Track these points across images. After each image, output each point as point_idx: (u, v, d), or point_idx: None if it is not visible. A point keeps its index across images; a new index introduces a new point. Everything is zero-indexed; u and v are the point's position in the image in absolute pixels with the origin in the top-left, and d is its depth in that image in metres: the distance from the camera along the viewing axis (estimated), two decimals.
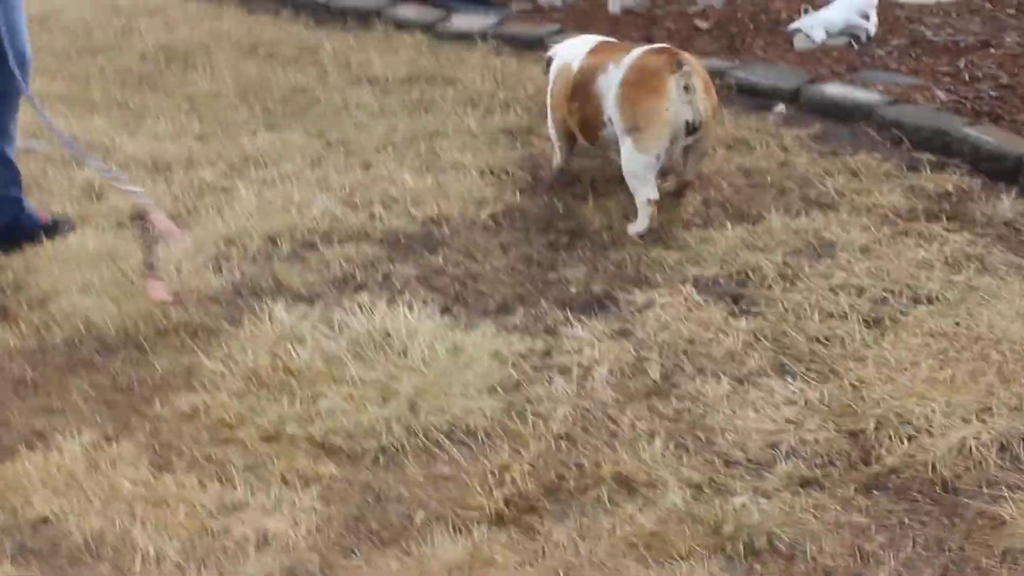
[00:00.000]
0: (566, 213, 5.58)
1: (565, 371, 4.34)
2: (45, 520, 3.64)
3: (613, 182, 5.79)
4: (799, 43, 7.70)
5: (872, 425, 3.95)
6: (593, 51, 5.82)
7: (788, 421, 4.02)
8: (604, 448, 3.91)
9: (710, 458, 3.87)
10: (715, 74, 7.10)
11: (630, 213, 5.47)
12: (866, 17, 7.76)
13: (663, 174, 5.63)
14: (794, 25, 7.87)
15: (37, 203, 5.61)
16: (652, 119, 5.33)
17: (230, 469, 3.85)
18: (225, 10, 8.99)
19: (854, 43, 7.65)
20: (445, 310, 4.76)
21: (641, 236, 5.40)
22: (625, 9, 8.64)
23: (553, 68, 6.06)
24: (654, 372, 4.33)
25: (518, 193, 5.78)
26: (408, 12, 8.59)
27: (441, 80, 7.31)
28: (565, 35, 7.79)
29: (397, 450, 3.94)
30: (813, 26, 7.74)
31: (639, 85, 5.38)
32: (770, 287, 4.86)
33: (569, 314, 4.72)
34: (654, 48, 5.61)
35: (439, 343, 4.47)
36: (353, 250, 5.25)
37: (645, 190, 5.42)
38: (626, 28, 8.16)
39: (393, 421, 4.04)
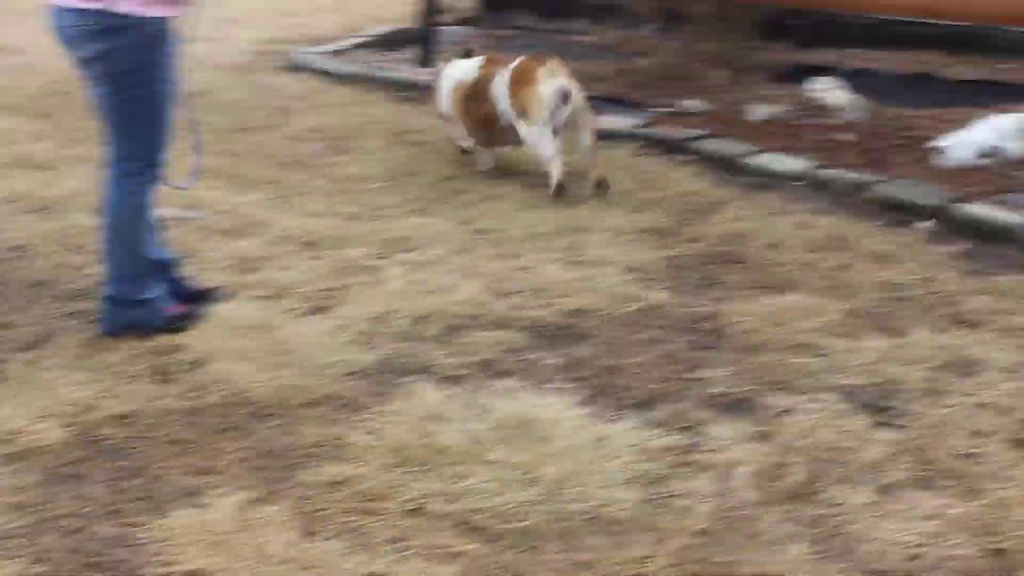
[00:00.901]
0: (709, 314, 5.61)
1: (707, 469, 4.35)
2: (197, 575, 3.73)
3: (756, 287, 5.84)
4: (943, 161, 7.70)
5: (1016, 546, 3.91)
6: (482, 66, 7.65)
7: (930, 535, 3.98)
8: (744, 548, 3.90)
9: (850, 567, 3.83)
10: (858, 188, 7.15)
11: (776, 318, 5.50)
12: (1012, 140, 7.74)
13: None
14: (938, 143, 7.86)
15: (193, 271, 5.78)
16: (532, 99, 7.10)
17: (373, 540, 3.91)
18: (375, 97, 9.19)
19: (1000, 165, 7.63)
20: (588, 400, 4.79)
21: (556, 192, 7.09)
22: (766, 118, 8.69)
23: (446, 85, 7.82)
24: (796, 477, 4.33)
25: (662, 291, 5.83)
26: None
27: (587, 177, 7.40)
28: (707, 140, 7.89)
29: (538, 533, 3.97)
30: (958, 145, 7.74)
31: (520, 81, 7.19)
32: (914, 401, 4.83)
33: (711, 413, 4.74)
34: (529, 56, 7.42)
35: (582, 432, 4.51)
36: (499, 336, 5.32)
37: (547, 152, 7.15)
38: (767, 137, 8.21)
39: (535, 505, 4.07)
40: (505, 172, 7.50)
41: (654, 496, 4.18)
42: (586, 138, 7.26)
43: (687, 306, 5.70)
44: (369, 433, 4.51)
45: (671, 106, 9.04)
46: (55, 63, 9.67)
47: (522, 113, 7.17)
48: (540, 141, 7.15)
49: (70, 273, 5.86)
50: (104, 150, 5.16)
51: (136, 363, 5.00)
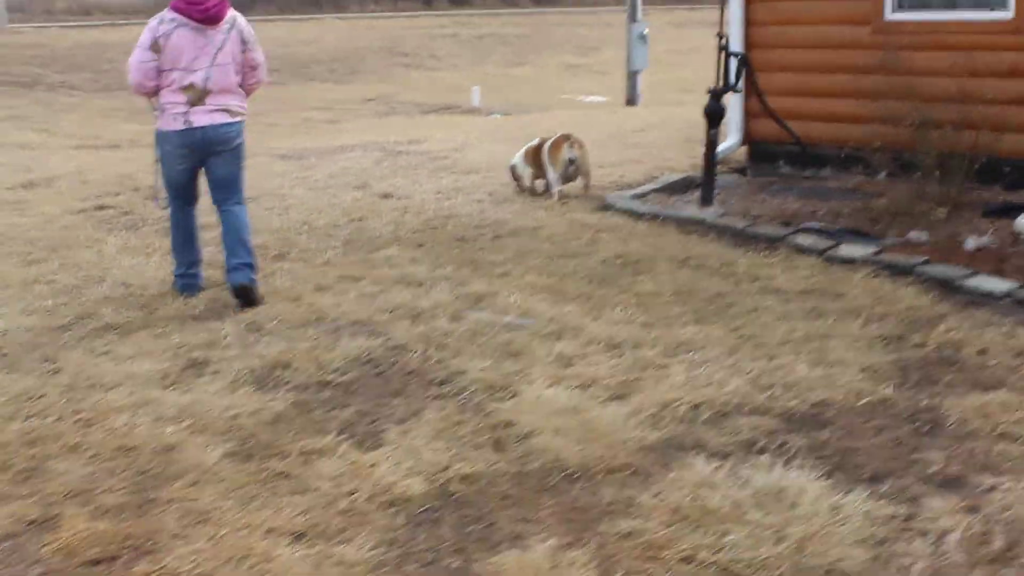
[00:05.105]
0: (928, 407, 5.39)
1: (923, 534, 4.18)
2: None
3: (968, 386, 5.60)
4: None
5: None
6: (540, 141, 10.77)
7: None
8: None
9: None
10: None
11: (985, 411, 5.25)
12: None
13: (566, 180, 10.61)
14: None
15: (520, 366, 5.93)
16: (557, 158, 10.46)
17: None
18: (666, 230, 9.21)
19: None
20: (827, 475, 4.66)
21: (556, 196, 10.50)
22: (978, 247, 8.33)
23: (522, 151, 10.94)
24: (998, 543, 4.11)
25: (890, 387, 5.63)
26: (806, 240, 8.56)
27: (830, 294, 7.23)
28: (929, 265, 7.64)
29: None
30: None
31: (553, 147, 10.51)
32: None
33: (928, 488, 4.55)
34: (562, 134, 10.72)
35: (822, 501, 4.40)
36: (758, 422, 5.24)
37: (557, 187, 10.52)
38: (978, 262, 7.86)
39: (783, 558, 4.00)
40: (764, 290, 7.39)
41: (880, 555, 4.05)
42: (584, 175, 10.70)
43: (910, 400, 5.49)
44: (654, 496, 4.51)
45: (901, 237, 8.76)
46: (429, 206, 10.11)
47: (551, 163, 10.51)
48: (556, 181, 10.52)
49: (435, 366, 6.08)
50: (235, 196, 7.34)
51: (480, 435, 5.14)
